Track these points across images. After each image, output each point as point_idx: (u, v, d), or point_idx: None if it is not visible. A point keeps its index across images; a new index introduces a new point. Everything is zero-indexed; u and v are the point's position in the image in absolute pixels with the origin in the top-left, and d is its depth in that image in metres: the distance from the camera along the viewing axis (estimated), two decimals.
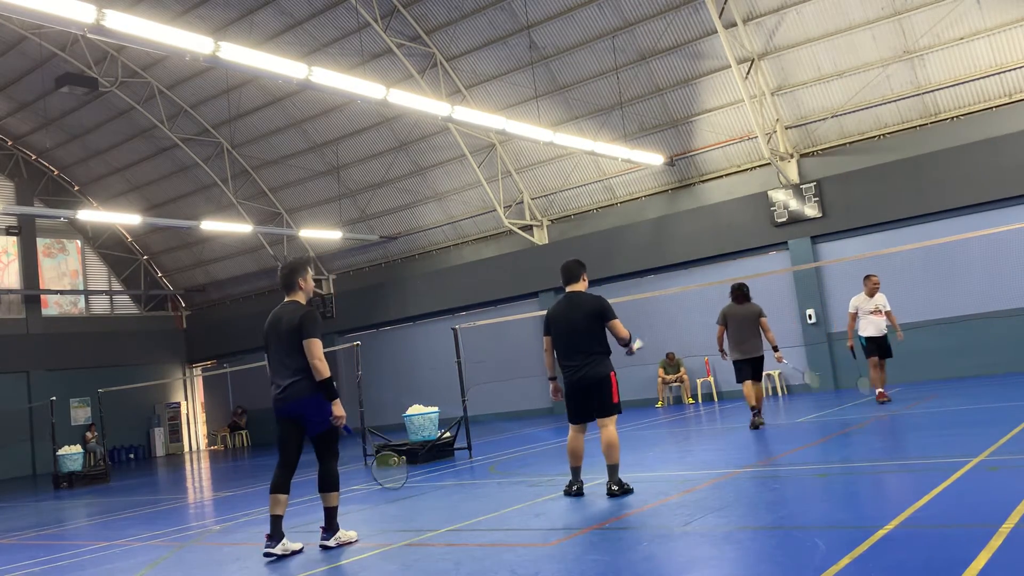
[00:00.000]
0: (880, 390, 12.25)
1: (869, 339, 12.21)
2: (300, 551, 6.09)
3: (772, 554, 4.53)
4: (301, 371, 5.99)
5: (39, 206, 27.22)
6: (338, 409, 5.96)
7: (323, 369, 5.93)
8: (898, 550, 4.23)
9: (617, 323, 7.01)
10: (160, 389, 30.46)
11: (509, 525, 6.26)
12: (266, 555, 5.96)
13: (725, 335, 11.16)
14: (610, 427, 6.86)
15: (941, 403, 11.22)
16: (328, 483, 6.08)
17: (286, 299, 6.31)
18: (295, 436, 6.13)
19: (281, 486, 6.05)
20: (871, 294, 12.26)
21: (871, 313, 12.22)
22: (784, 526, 5.15)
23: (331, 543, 6.08)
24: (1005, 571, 3.69)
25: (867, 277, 12.38)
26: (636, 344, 7.09)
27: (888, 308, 12.31)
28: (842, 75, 17.00)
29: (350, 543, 6.14)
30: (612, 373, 6.91)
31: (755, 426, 10.95)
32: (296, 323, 6.02)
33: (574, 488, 6.99)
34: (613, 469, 6.80)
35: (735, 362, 11.14)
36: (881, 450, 7.91)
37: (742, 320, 11.04)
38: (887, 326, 12.25)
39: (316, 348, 5.93)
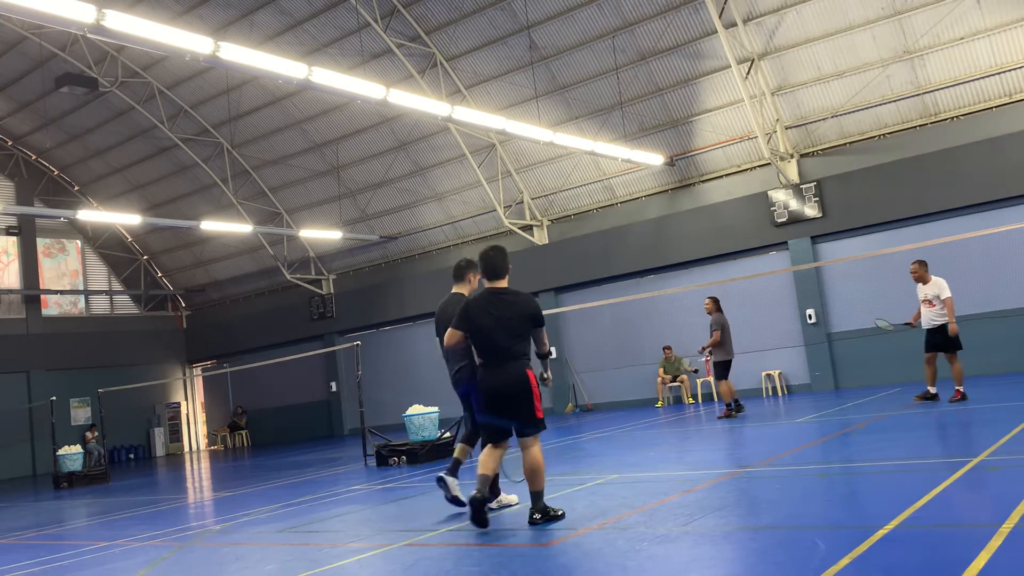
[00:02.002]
0: (929, 388, 11.45)
1: (927, 331, 11.33)
2: (515, 504, 6.80)
3: (772, 554, 4.53)
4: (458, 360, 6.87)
5: (39, 206, 27.23)
6: None
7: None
8: (898, 550, 4.23)
9: (544, 332, 6.30)
10: (160, 389, 30.47)
11: (509, 525, 6.26)
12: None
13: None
14: (533, 448, 5.96)
15: (941, 403, 11.21)
16: None
17: (453, 290, 7.20)
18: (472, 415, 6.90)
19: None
20: (918, 281, 11.42)
21: (922, 303, 11.37)
22: (784, 526, 5.15)
23: (493, 505, 6.67)
24: (1005, 571, 3.69)
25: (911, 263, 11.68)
26: None
27: (944, 296, 11.13)
28: (842, 75, 17.00)
29: (510, 505, 6.80)
30: (535, 384, 6.08)
31: (731, 416, 13.12)
32: (448, 315, 6.71)
33: (478, 494, 5.90)
34: (538, 496, 5.97)
35: (729, 362, 13.28)
36: (881, 450, 7.90)
37: (728, 327, 13.40)
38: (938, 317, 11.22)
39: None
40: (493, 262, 6.20)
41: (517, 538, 5.79)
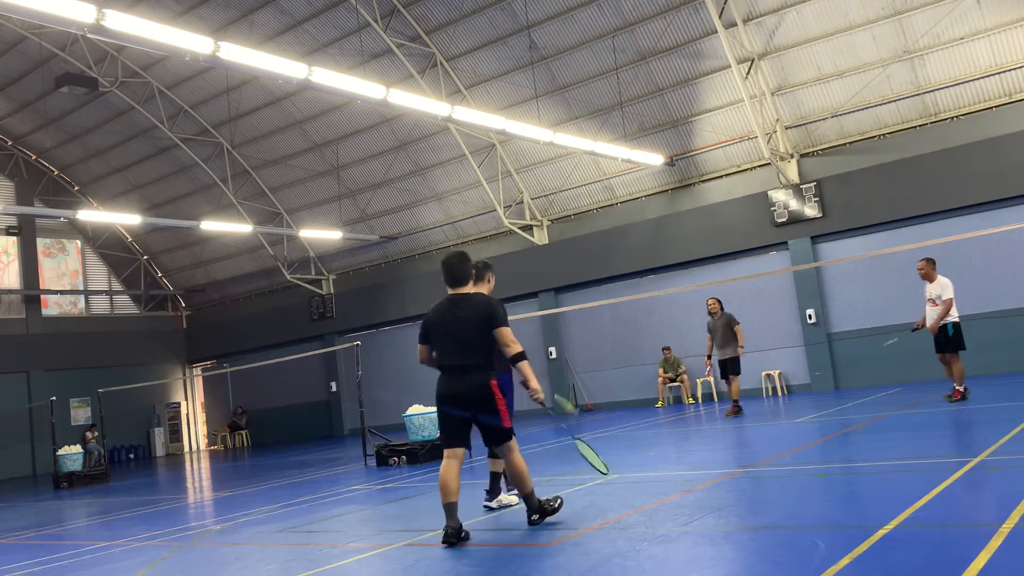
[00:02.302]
0: (957, 387, 11.21)
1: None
2: (516, 504, 6.77)
3: (772, 554, 4.53)
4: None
5: (39, 206, 27.23)
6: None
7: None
8: (898, 550, 4.23)
9: (506, 332, 5.85)
10: (160, 389, 30.47)
11: (509, 525, 6.26)
12: (485, 507, 6.87)
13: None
14: (511, 456, 5.87)
15: (941, 403, 11.21)
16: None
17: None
18: None
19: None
20: (924, 279, 11.31)
21: (927, 301, 11.27)
22: (784, 526, 5.15)
23: (492, 504, 6.87)
24: (1005, 571, 3.69)
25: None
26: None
27: (946, 296, 11.04)
28: (842, 75, 17.00)
29: (510, 506, 6.82)
30: (497, 390, 5.83)
31: (732, 414, 13.37)
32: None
33: (451, 531, 5.60)
34: (529, 497, 5.93)
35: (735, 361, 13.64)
36: (881, 450, 7.91)
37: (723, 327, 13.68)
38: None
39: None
40: (454, 269, 6.05)
41: (517, 538, 5.79)
